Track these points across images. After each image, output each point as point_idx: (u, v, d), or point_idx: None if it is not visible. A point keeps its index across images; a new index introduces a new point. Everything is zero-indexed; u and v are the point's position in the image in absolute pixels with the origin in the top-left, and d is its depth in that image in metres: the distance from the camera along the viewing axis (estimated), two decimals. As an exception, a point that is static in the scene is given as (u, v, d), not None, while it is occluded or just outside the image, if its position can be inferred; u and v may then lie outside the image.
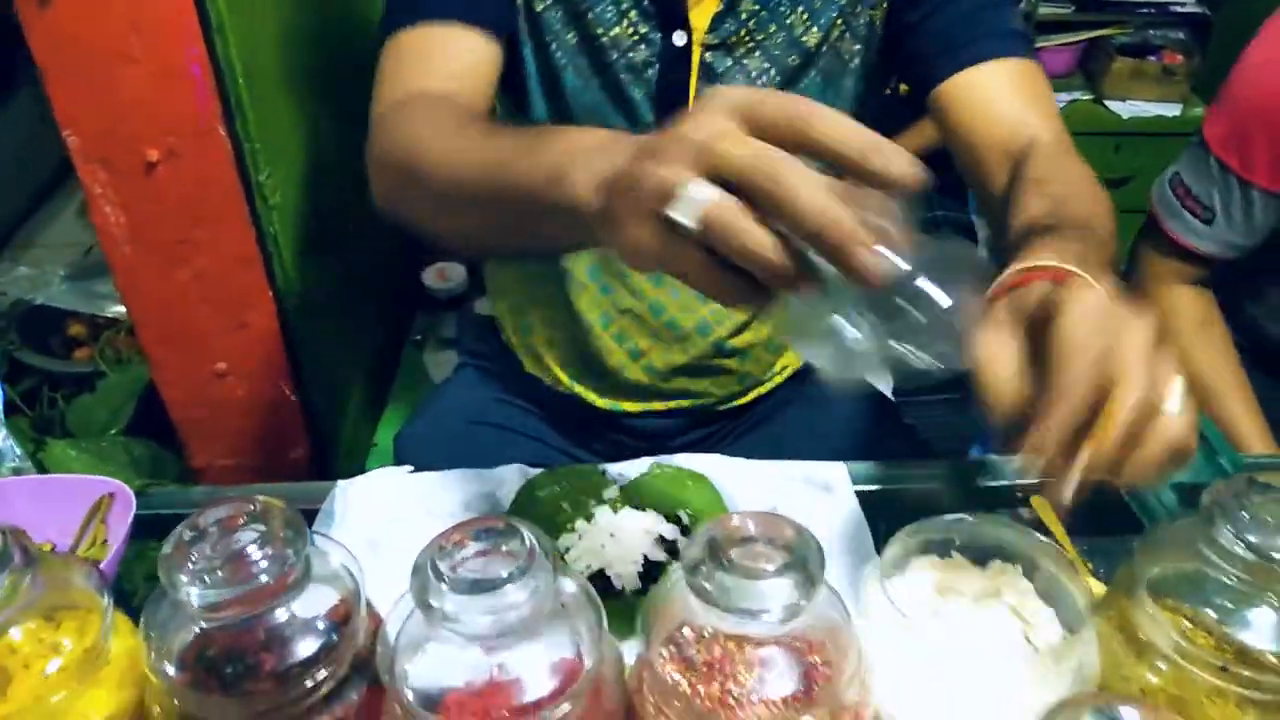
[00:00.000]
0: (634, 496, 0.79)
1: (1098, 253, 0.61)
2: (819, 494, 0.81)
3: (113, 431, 1.38)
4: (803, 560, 0.47)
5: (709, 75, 0.90)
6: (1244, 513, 0.50)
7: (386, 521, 0.78)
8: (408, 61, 0.82)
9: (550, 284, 1.02)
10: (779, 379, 1.13)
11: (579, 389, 1.08)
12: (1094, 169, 0.77)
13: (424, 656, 0.51)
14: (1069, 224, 0.65)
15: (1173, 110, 2.48)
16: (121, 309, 1.63)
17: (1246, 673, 0.50)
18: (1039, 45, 2.57)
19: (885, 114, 0.98)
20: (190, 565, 0.47)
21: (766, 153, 0.44)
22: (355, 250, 1.45)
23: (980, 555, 0.61)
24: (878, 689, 0.54)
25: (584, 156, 0.51)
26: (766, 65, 0.91)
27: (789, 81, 0.92)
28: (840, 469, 0.83)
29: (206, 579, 0.47)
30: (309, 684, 0.49)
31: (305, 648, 0.50)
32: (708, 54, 0.89)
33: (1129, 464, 0.49)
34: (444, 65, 0.81)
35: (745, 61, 0.90)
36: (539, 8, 0.88)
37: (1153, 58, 2.48)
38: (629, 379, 1.06)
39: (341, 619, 0.52)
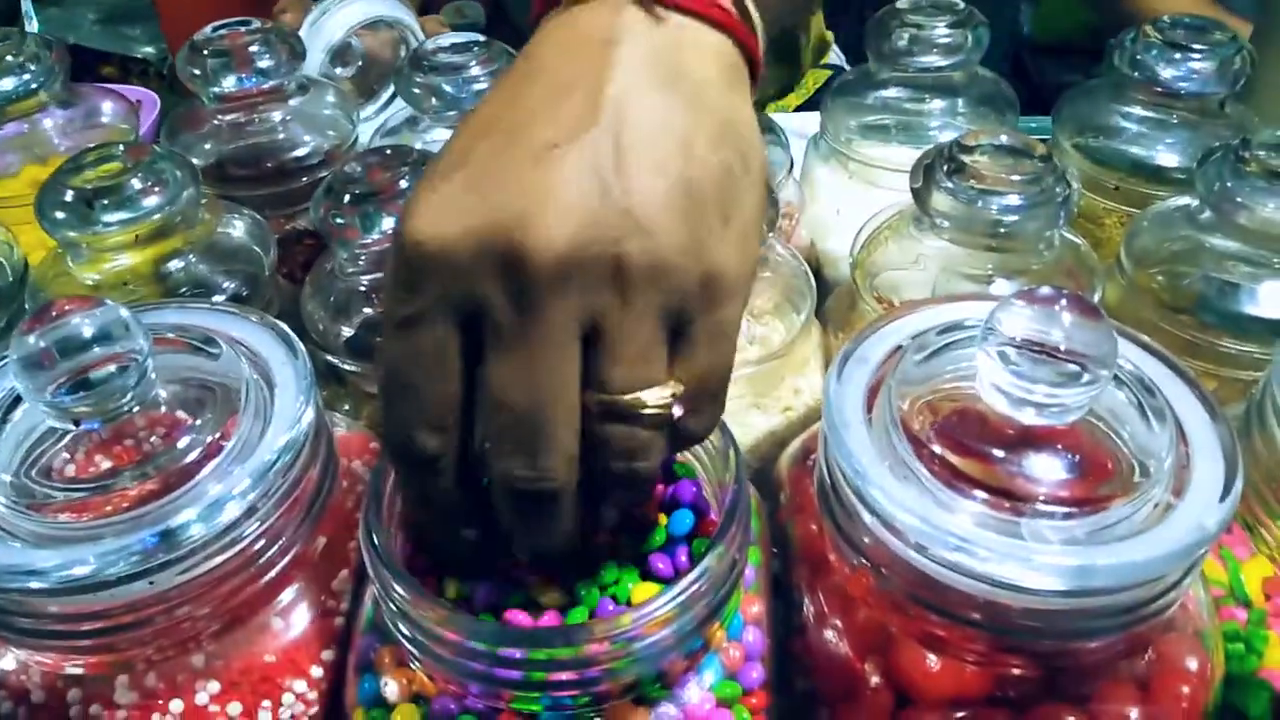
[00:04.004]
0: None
1: None
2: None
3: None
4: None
5: None
6: (1150, 42, 0.55)
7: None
8: None
9: None
10: None
11: None
12: None
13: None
14: None
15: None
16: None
17: (1139, 189, 0.56)
18: None
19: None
20: (203, 55, 0.54)
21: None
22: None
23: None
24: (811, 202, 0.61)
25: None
26: None
27: None
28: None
29: (217, 69, 0.54)
30: (306, 180, 0.57)
31: (302, 149, 0.57)
32: None
33: None
34: None
35: None
36: None
37: None
38: None
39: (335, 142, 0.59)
